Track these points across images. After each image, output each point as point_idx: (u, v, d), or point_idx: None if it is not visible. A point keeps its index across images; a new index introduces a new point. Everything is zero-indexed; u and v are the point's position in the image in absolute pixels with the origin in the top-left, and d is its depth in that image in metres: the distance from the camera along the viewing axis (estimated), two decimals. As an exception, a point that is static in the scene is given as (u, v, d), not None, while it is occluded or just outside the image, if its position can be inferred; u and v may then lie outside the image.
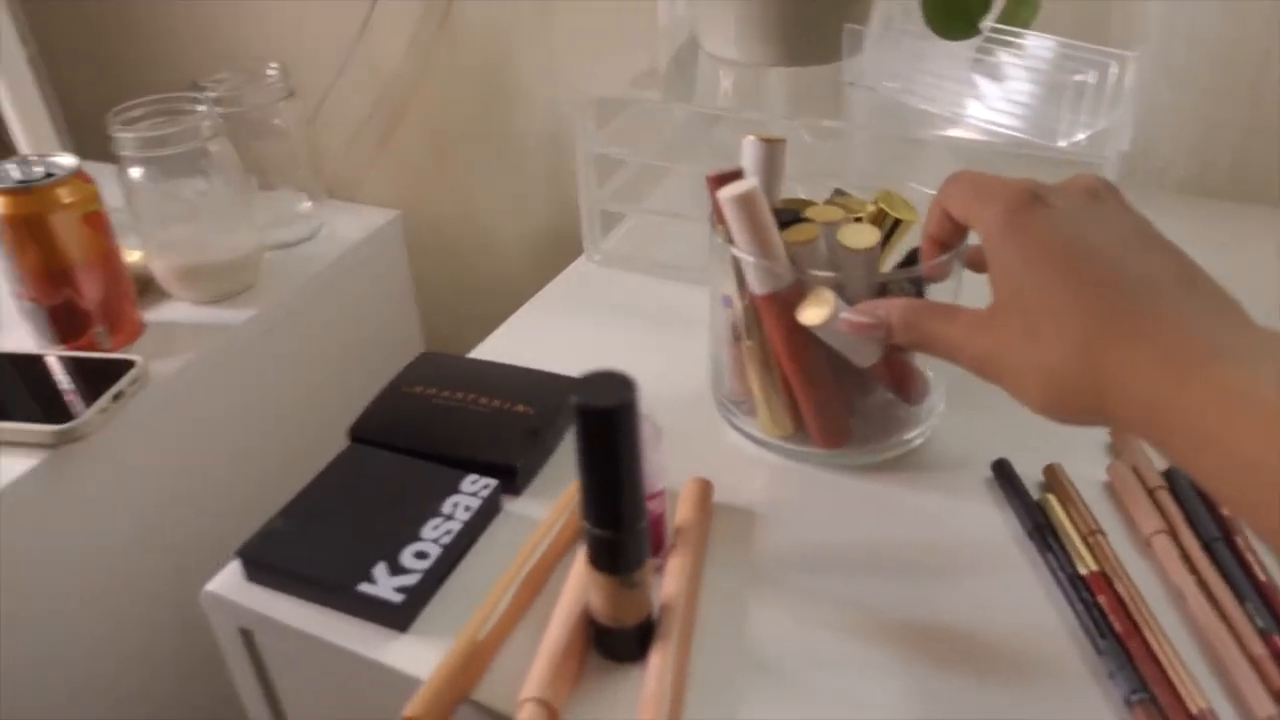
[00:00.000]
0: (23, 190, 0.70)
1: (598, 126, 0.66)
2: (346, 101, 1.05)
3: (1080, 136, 0.53)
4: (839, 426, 0.52)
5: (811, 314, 0.46)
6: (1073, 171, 0.41)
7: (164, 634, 0.81)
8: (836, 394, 0.51)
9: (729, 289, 0.51)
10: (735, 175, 0.47)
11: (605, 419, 0.35)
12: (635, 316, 0.68)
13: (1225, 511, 0.46)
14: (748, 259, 0.47)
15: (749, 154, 0.49)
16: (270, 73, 0.86)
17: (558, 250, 1.03)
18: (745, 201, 0.45)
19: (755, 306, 0.49)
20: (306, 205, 0.93)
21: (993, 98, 0.57)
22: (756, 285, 0.47)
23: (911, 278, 0.46)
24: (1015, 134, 0.56)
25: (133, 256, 0.81)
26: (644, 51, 0.77)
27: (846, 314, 0.44)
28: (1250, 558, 0.44)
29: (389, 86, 1.02)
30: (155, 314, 0.83)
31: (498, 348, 0.65)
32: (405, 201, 1.07)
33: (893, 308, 0.43)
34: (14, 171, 0.72)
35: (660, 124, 0.73)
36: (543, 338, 0.66)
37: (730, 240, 0.47)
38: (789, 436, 0.53)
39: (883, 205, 0.49)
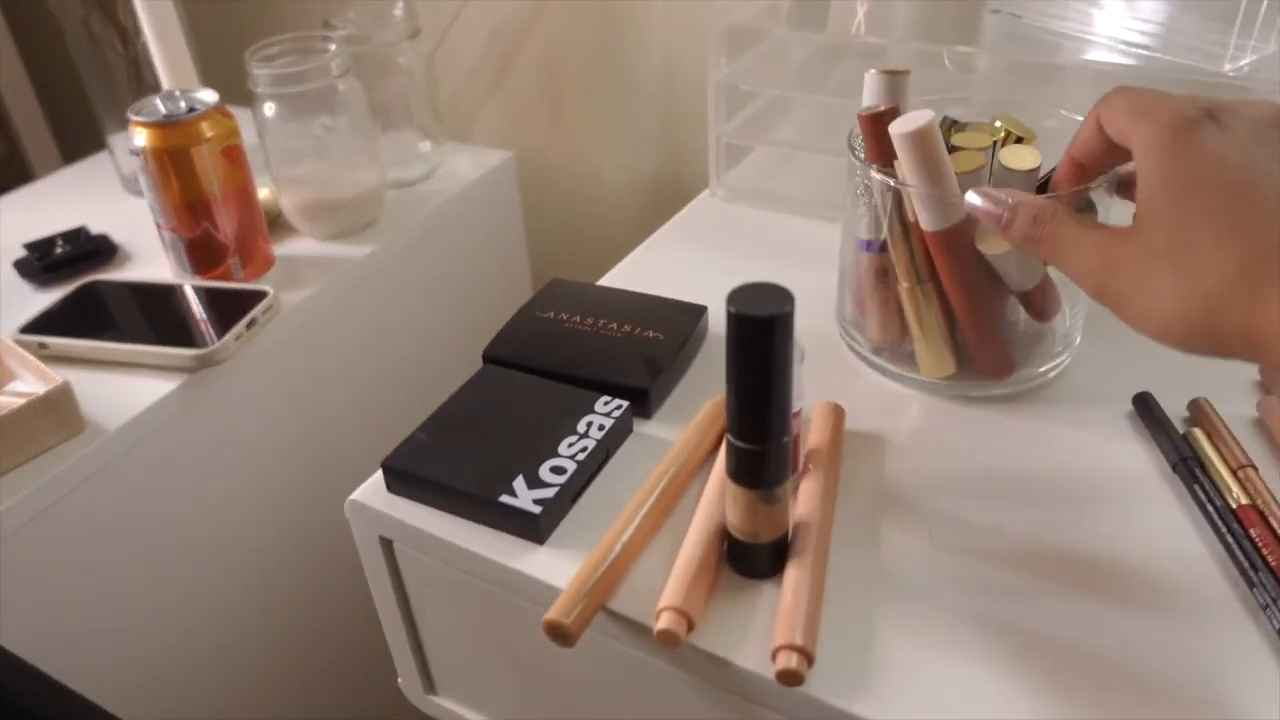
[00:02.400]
0: (168, 124, 0.73)
1: (726, 61, 0.66)
2: (462, 44, 1.06)
3: (1245, 62, 0.51)
4: (1009, 356, 0.52)
5: (994, 242, 0.45)
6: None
7: (295, 545, 0.86)
8: (1004, 324, 0.50)
9: (868, 232, 0.50)
10: (891, 113, 0.46)
11: (763, 329, 0.35)
12: (758, 249, 0.68)
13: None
14: (923, 196, 0.46)
15: (871, 87, 0.48)
16: (396, 12, 0.88)
17: (664, 196, 1.04)
18: (922, 138, 0.44)
19: (923, 246, 0.48)
20: (425, 145, 0.94)
21: (1148, 22, 0.55)
22: (930, 223, 0.47)
23: (1081, 196, 0.45)
24: (1171, 59, 0.54)
25: (261, 193, 0.84)
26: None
27: (973, 196, 0.43)
28: None
29: (503, 28, 1.03)
30: (282, 248, 0.85)
31: (622, 278, 0.66)
32: (516, 144, 1.08)
33: (1025, 202, 0.41)
34: (160, 106, 0.74)
35: (785, 58, 0.73)
36: (667, 270, 0.67)
37: (893, 178, 0.47)
38: (943, 375, 0.52)
39: (1008, 127, 0.48)
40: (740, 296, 0.36)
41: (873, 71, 0.47)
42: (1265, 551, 0.41)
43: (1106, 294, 0.38)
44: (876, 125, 0.46)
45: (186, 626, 0.78)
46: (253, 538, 0.81)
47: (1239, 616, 0.40)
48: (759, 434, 0.39)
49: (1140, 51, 0.59)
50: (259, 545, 0.82)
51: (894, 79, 0.47)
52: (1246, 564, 0.40)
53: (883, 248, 0.50)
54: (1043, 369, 0.52)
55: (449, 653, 0.55)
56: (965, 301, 0.49)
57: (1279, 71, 0.52)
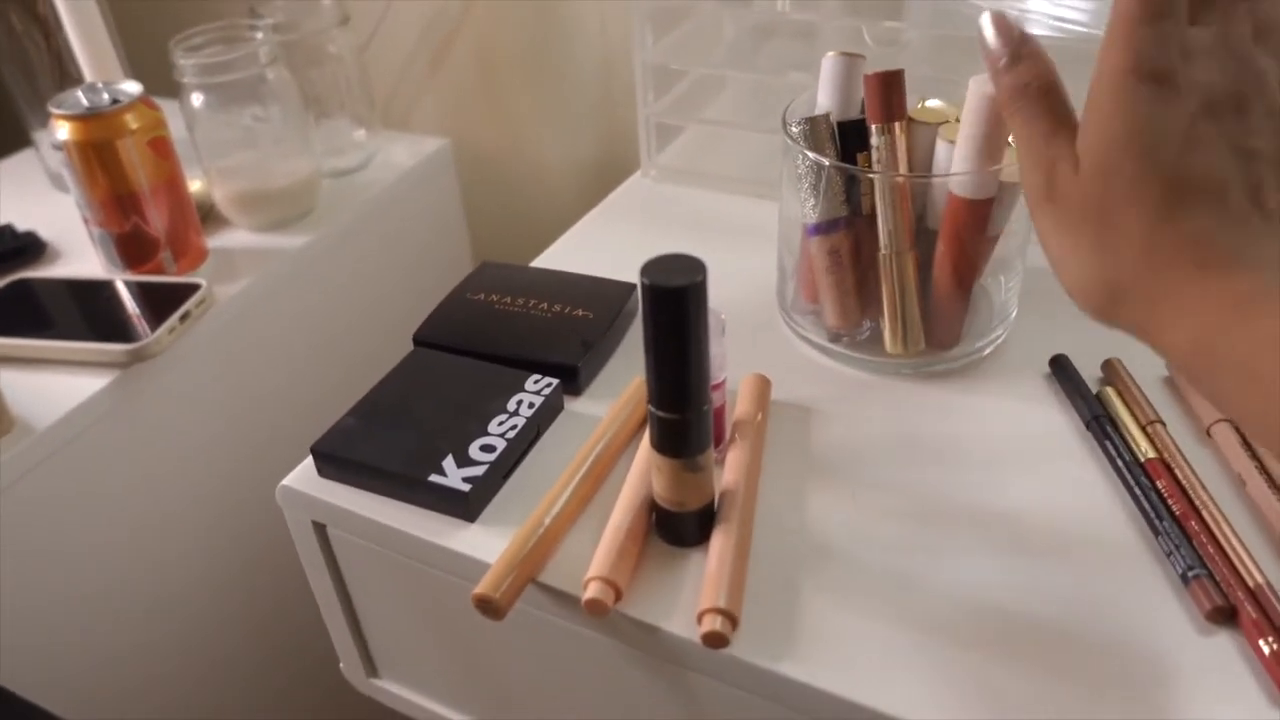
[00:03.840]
0: (91, 116, 0.72)
1: (654, 40, 0.66)
2: (397, 33, 1.05)
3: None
4: (961, 326, 0.53)
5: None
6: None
7: (234, 537, 0.85)
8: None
9: (818, 214, 0.50)
10: (899, 74, 0.47)
11: (675, 298, 0.36)
12: (690, 228, 0.69)
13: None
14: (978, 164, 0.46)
15: (828, 70, 0.49)
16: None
17: (604, 177, 1.04)
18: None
19: (909, 215, 0.49)
20: (360, 134, 0.94)
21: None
22: (973, 190, 0.47)
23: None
24: (1094, 32, 0.55)
25: (194, 186, 0.83)
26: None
27: (986, 20, 0.37)
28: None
29: (439, 15, 1.03)
30: (216, 241, 0.84)
31: (555, 260, 0.66)
32: (455, 130, 1.08)
33: (1032, 57, 0.35)
34: (82, 98, 0.73)
35: (716, 36, 0.73)
36: (599, 250, 0.67)
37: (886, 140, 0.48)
38: (914, 352, 0.53)
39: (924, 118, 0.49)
40: (653, 268, 0.36)
41: (831, 54, 0.48)
42: (1170, 502, 0.42)
43: (1036, 221, 0.35)
44: (887, 85, 0.47)
45: (126, 620, 0.77)
46: (191, 532, 0.81)
47: (1146, 564, 0.41)
48: (679, 403, 0.39)
49: (1070, 27, 0.59)
50: (197, 539, 0.82)
51: (851, 61, 0.48)
52: (1153, 514, 0.42)
53: (830, 228, 0.51)
54: (979, 344, 0.53)
55: (388, 635, 0.55)
56: (956, 270, 0.50)
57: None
